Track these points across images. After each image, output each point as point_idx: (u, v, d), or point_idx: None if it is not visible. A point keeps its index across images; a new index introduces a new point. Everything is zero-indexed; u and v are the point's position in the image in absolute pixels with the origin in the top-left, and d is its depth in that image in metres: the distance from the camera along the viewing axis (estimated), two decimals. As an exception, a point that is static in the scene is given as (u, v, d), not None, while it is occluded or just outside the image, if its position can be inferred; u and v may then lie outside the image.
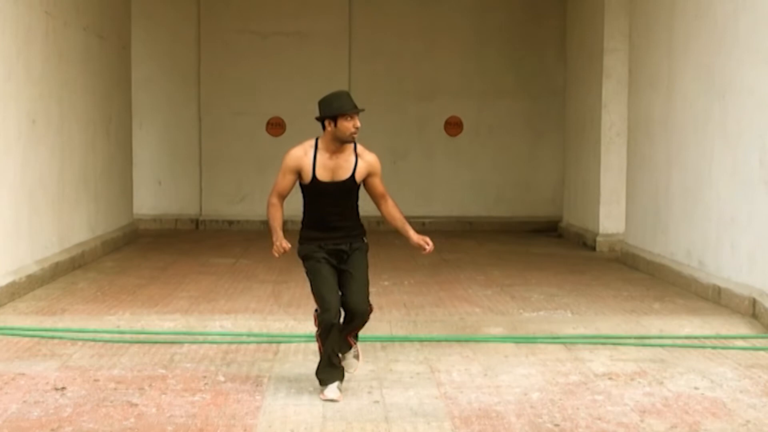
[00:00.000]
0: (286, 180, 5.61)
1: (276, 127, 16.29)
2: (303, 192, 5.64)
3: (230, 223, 16.17)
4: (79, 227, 11.12)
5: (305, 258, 5.62)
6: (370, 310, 5.67)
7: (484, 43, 16.42)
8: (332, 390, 5.53)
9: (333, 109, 5.48)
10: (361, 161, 5.59)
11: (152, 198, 16.25)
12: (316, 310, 5.62)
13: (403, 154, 16.14)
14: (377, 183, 5.69)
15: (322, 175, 5.52)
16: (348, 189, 5.58)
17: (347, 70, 16.24)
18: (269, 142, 16.23)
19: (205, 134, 16.36)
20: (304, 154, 5.55)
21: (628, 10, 12.30)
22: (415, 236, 5.75)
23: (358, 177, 5.58)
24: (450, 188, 16.49)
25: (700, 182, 9.29)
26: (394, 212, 5.78)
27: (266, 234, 15.62)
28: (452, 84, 16.44)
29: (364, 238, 5.73)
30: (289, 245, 5.54)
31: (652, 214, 10.75)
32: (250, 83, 16.17)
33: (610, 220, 13.09)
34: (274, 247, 5.55)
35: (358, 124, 5.49)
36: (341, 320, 5.58)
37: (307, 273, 5.63)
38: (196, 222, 16.23)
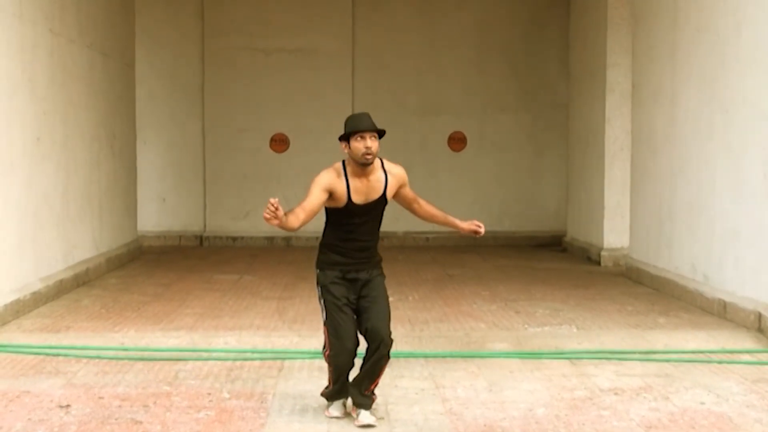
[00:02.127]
0: (319, 198, 5.25)
1: (280, 143, 16.32)
2: (331, 215, 5.44)
3: (234, 239, 16.17)
4: (83, 244, 11.13)
5: (324, 289, 5.41)
6: (391, 342, 5.41)
7: (486, 58, 16.45)
8: (337, 407, 5.51)
9: (346, 130, 5.34)
10: (391, 177, 5.46)
11: (156, 215, 16.27)
12: (324, 349, 5.46)
13: (407, 169, 15.98)
14: (408, 191, 5.60)
15: (357, 198, 5.34)
16: (380, 208, 5.46)
17: (350, 87, 16.29)
18: (273, 159, 16.27)
19: (209, 151, 16.38)
20: (337, 177, 5.33)
21: (630, 24, 12.34)
22: (464, 224, 5.62)
23: (389, 194, 5.46)
24: (454, 203, 16.42)
25: (704, 196, 9.29)
26: (432, 210, 5.70)
27: (270, 250, 15.72)
28: (455, 99, 16.47)
29: (381, 266, 5.56)
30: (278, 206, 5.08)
31: (656, 228, 10.75)
32: (253, 100, 16.21)
33: (615, 234, 13.08)
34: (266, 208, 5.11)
35: (370, 144, 5.26)
36: (364, 355, 5.42)
37: (325, 307, 5.40)
38: (200, 238, 16.23)
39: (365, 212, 5.40)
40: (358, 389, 5.42)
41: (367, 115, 5.42)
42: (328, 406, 5.56)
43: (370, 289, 5.41)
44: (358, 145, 5.29)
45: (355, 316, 5.41)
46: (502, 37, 16.46)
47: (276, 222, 5.03)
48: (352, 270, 5.40)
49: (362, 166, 5.32)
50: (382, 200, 5.44)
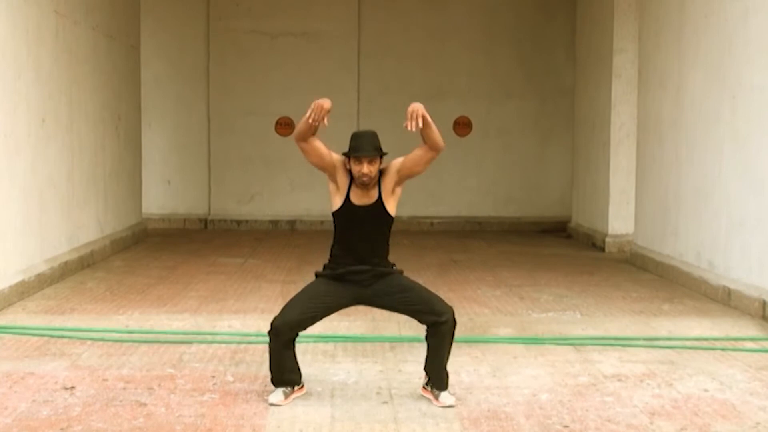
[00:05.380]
0: (326, 152, 5.37)
1: (285, 126, 16.29)
2: (334, 221, 5.47)
3: (239, 222, 16.18)
4: (88, 226, 11.14)
5: (315, 279, 5.48)
6: (452, 312, 5.43)
7: (493, 43, 16.40)
8: (277, 394, 5.44)
9: (349, 148, 5.34)
10: (382, 180, 5.39)
11: (161, 197, 16.28)
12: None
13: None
14: (407, 163, 5.42)
15: (355, 199, 5.37)
16: (378, 213, 5.38)
17: (356, 71, 16.25)
18: (278, 142, 16.24)
19: (213, 134, 16.37)
20: (344, 169, 5.37)
21: (637, 9, 12.28)
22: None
23: (385, 194, 5.37)
24: (459, 188, 16.49)
25: (710, 183, 9.26)
26: (426, 139, 5.42)
27: (275, 234, 15.76)
28: (461, 84, 16.42)
29: (391, 270, 5.49)
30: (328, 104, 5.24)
31: (661, 215, 10.73)
32: (259, 83, 16.18)
33: (620, 220, 13.06)
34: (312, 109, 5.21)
35: (366, 171, 5.26)
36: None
37: (302, 289, 5.50)
38: (205, 221, 16.24)
39: (363, 216, 5.37)
40: (441, 364, 5.43)
41: (369, 137, 5.35)
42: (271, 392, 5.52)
43: (389, 289, 5.40)
44: (356, 168, 5.29)
45: (317, 316, 5.40)
46: (508, 22, 16.40)
47: (319, 115, 5.19)
48: (350, 279, 5.38)
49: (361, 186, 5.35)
50: (379, 204, 5.37)
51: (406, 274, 5.60)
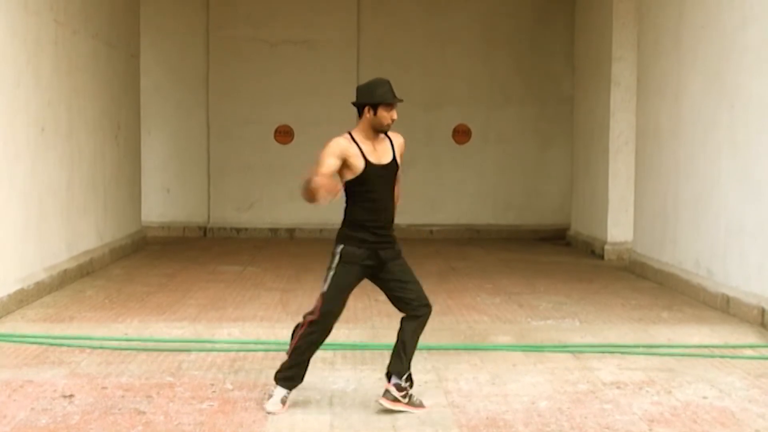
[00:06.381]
0: (334, 165, 5.25)
1: (284, 135, 16.31)
2: (352, 187, 5.37)
3: (238, 230, 16.19)
4: (87, 234, 11.14)
5: (339, 265, 5.36)
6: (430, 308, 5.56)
7: (492, 50, 16.42)
8: (274, 404, 5.42)
9: (375, 97, 5.35)
10: (395, 141, 5.50)
11: (160, 205, 16.28)
12: (310, 314, 5.41)
13: (411, 162, 16.00)
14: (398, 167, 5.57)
15: (373, 159, 5.36)
16: (394, 172, 5.45)
17: (355, 78, 16.22)
18: (277, 150, 16.26)
19: (213, 142, 16.38)
20: (349, 144, 5.33)
21: (636, 18, 12.30)
22: None
23: (398, 157, 5.47)
24: (458, 196, 16.49)
25: (709, 190, 9.27)
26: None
27: (274, 242, 15.74)
28: (460, 92, 16.43)
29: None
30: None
31: (660, 223, 10.73)
32: (258, 91, 16.20)
33: (619, 228, 13.06)
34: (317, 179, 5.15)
35: (395, 117, 5.40)
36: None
37: (331, 281, 5.36)
38: (204, 230, 16.24)
39: (382, 176, 5.40)
40: (408, 358, 5.44)
41: (390, 84, 5.45)
42: (269, 397, 5.48)
43: (393, 271, 5.48)
44: (386, 114, 5.37)
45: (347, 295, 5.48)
46: (507, 30, 16.42)
47: (328, 189, 5.13)
48: (378, 248, 5.42)
49: (378, 132, 5.40)
50: (394, 164, 5.44)
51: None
